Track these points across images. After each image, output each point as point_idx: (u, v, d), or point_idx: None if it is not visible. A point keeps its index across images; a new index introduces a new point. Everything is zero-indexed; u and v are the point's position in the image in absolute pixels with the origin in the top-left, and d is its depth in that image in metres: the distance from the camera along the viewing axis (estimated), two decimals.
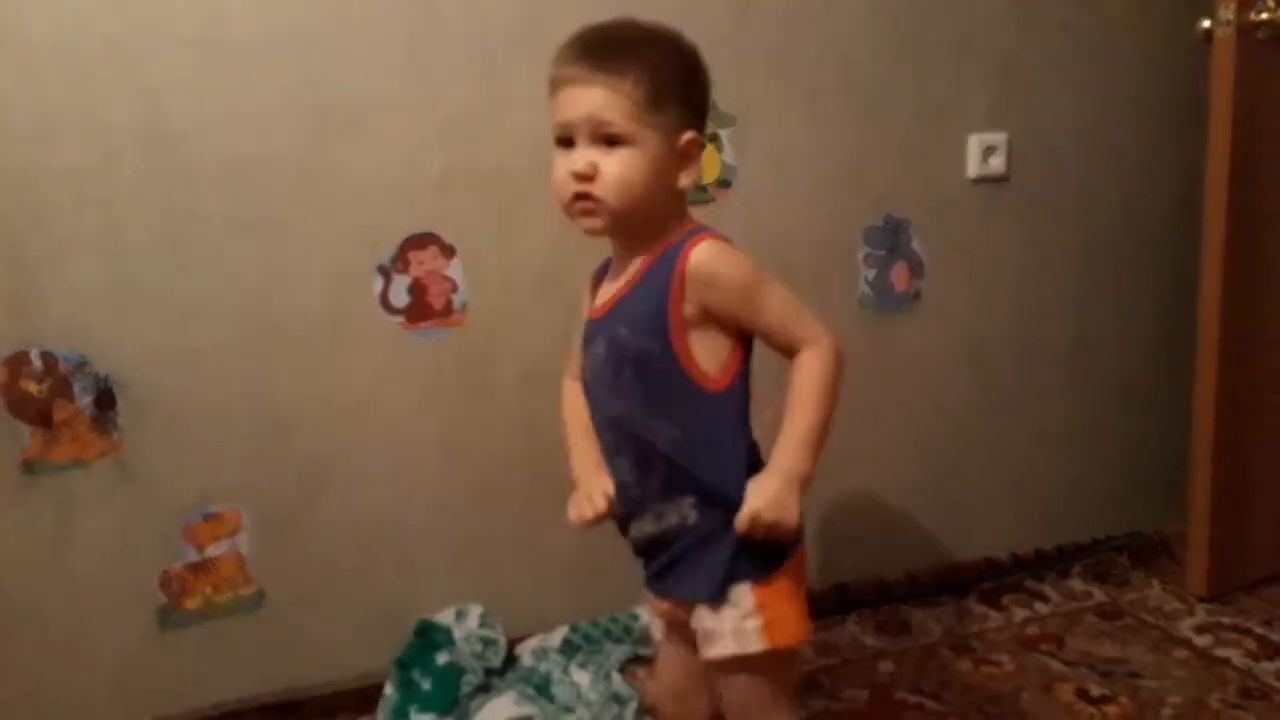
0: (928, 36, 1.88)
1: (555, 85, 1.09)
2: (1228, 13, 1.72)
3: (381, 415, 1.67)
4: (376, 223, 1.62)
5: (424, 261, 1.65)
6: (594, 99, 1.05)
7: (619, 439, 1.16)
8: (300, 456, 1.64)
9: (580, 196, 1.07)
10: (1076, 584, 2.07)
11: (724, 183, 1.78)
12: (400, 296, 1.65)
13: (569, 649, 1.77)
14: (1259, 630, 1.84)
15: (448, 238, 1.66)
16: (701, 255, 1.07)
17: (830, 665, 1.79)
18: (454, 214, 1.66)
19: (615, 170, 1.06)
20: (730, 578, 1.11)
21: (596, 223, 1.09)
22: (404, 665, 1.68)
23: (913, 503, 2.04)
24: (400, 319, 1.66)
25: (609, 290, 1.17)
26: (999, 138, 1.94)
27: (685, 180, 1.11)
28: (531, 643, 1.78)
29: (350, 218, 1.61)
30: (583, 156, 1.06)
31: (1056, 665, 1.77)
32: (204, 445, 1.59)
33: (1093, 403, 2.13)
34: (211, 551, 1.61)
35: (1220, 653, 1.78)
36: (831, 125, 1.83)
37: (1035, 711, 1.63)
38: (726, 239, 1.11)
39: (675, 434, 1.10)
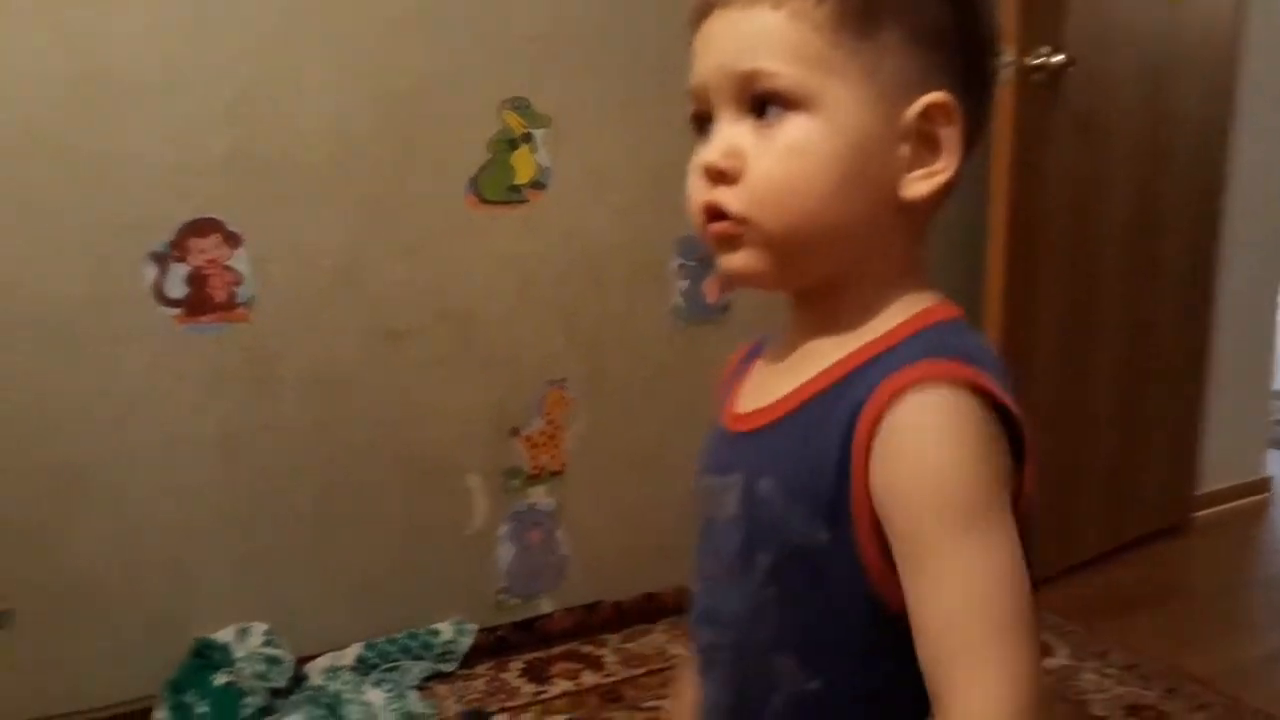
0: None
1: (694, 21, 0.64)
2: (1008, 56, 1.83)
3: (153, 417, 1.54)
4: (151, 206, 1.50)
5: (205, 250, 1.53)
6: (740, 29, 0.59)
7: (716, 654, 0.68)
8: (55, 460, 1.49)
9: (712, 212, 0.61)
10: None
11: (538, 184, 1.74)
12: (177, 287, 1.53)
13: (363, 667, 1.68)
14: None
15: (233, 225, 1.55)
16: (912, 411, 0.55)
17: (635, 676, 1.78)
18: (240, 200, 1.55)
19: (771, 163, 0.58)
20: None
21: (740, 259, 0.61)
22: (178, 687, 1.55)
23: None
24: (176, 312, 1.53)
25: (764, 384, 0.66)
26: None
27: (919, 186, 0.60)
28: (322, 661, 1.68)
29: (119, 199, 1.48)
30: (724, 134, 0.60)
31: None
32: None
33: None
34: None
35: None
36: (648, 133, 1.83)
37: None
38: (983, 386, 0.56)
39: (813, 686, 0.61)
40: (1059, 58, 1.84)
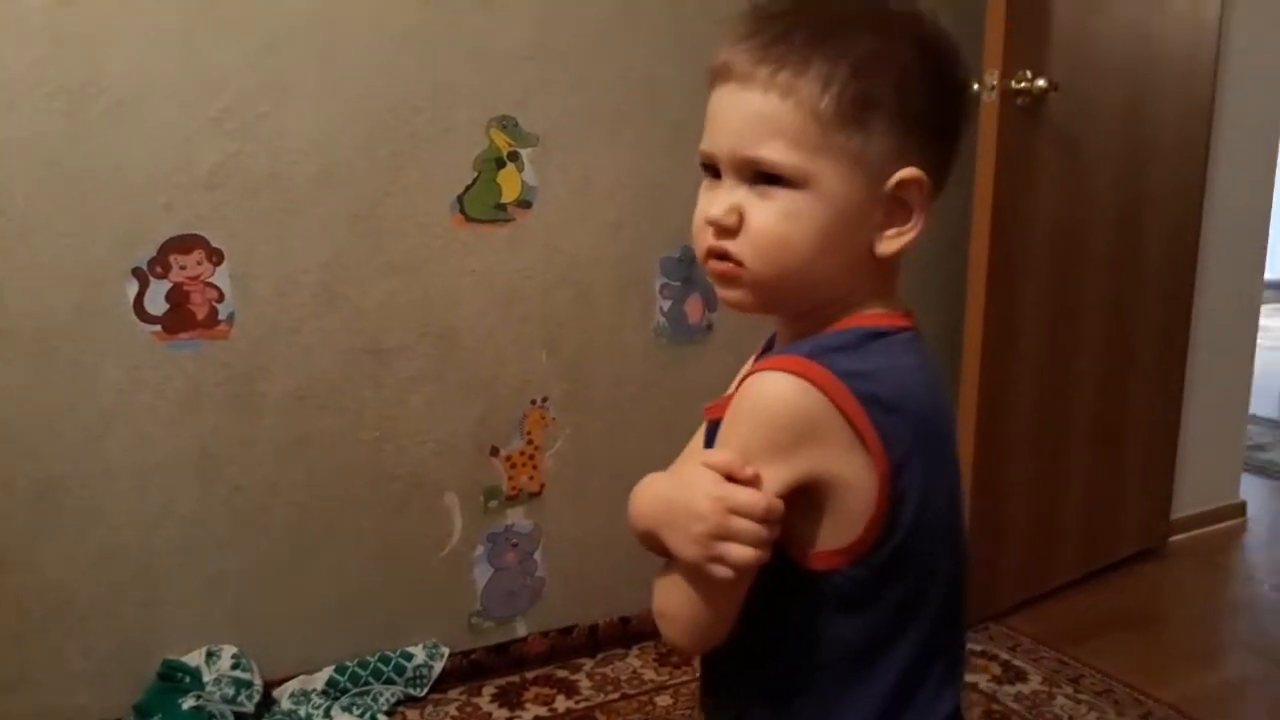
0: None
1: (711, 79, 0.73)
2: (992, 79, 1.85)
3: (129, 433, 1.51)
4: (134, 221, 1.47)
5: (186, 266, 1.51)
6: (751, 109, 0.69)
7: None
8: (30, 476, 1.46)
9: (716, 254, 0.72)
10: None
11: (524, 203, 1.73)
12: (157, 303, 1.50)
13: (333, 691, 1.66)
14: (1004, 656, 1.96)
15: (215, 241, 1.52)
16: (754, 384, 0.69)
17: (609, 700, 1.76)
18: (224, 215, 1.52)
19: (768, 223, 0.69)
20: None
21: (735, 294, 0.73)
22: (144, 711, 1.52)
23: None
24: (155, 328, 1.51)
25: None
26: None
27: (891, 244, 0.71)
28: (292, 685, 1.65)
29: (104, 213, 1.45)
30: (726, 197, 0.71)
31: None
32: None
33: None
34: None
35: (969, 679, 1.87)
36: (633, 152, 1.82)
37: None
38: (807, 374, 0.67)
39: (748, 647, 0.76)
40: (1041, 82, 1.87)
